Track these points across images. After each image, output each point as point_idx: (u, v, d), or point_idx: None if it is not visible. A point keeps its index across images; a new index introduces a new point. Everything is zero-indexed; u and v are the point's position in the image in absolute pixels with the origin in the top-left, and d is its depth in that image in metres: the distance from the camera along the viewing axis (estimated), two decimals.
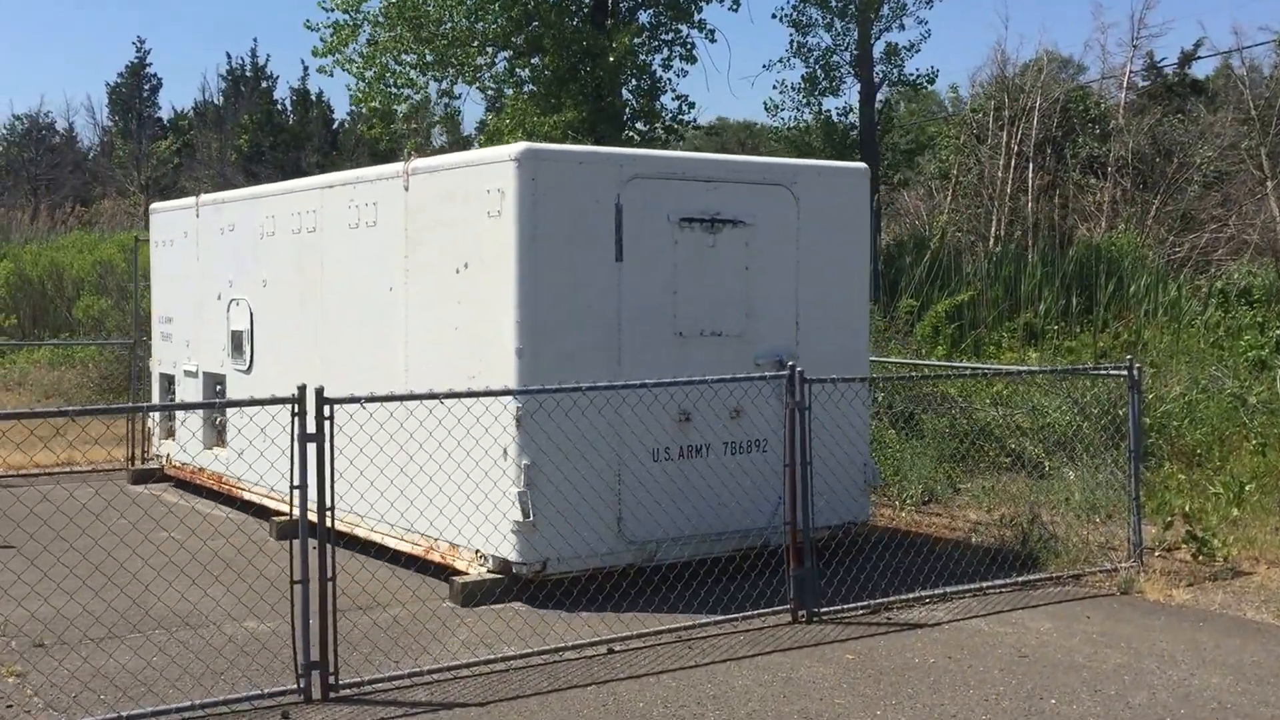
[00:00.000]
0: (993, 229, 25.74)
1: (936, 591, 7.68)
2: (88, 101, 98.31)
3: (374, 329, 8.94)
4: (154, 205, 13.11)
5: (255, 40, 76.46)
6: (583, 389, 6.80)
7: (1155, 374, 14.17)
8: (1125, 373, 8.48)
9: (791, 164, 8.85)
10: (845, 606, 7.30)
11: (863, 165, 9.07)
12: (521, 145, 7.60)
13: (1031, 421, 12.21)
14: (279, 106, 48.31)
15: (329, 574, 5.72)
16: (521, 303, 7.50)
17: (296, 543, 5.75)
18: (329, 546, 5.70)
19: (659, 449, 7.93)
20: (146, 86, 54.21)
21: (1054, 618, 7.23)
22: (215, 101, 50.40)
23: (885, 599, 7.49)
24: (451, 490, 7.37)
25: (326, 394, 5.77)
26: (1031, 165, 26.20)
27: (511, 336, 7.52)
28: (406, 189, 8.54)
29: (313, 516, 5.72)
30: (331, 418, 5.75)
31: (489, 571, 7.73)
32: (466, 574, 7.82)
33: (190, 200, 12.11)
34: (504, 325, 7.57)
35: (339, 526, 9.41)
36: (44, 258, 25.52)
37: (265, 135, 45.23)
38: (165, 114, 53.53)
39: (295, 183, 10.26)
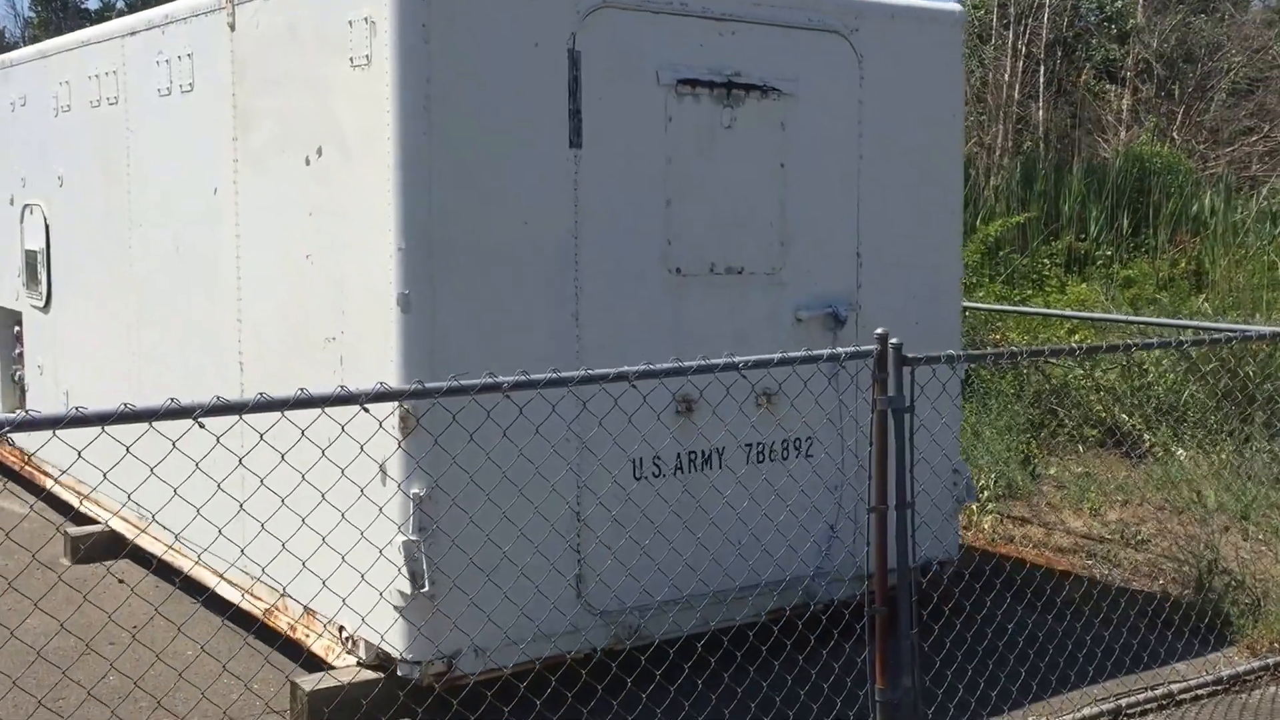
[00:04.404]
0: (998, 139, 22.86)
1: (1103, 705, 4.64)
2: None
3: (196, 254, 5.72)
4: None
5: None
6: (473, 390, 3.50)
7: (1242, 317, 11.26)
8: None
9: (852, 1, 5.59)
10: None
11: (956, 7, 5.86)
12: None
13: (1125, 382, 9.22)
14: None
15: None
16: (406, 216, 4.29)
17: None
18: None
19: (644, 459, 4.81)
20: None
21: None
22: None
23: (1014, 713, 4.48)
24: (297, 532, 4.22)
25: None
26: (1043, 68, 23.35)
27: (390, 274, 4.33)
28: (233, 28, 5.26)
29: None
30: None
31: (361, 664, 4.64)
32: (330, 665, 4.73)
33: None
34: (377, 255, 4.37)
35: (177, 562, 6.18)
36: None
37: None
38: (92, 4, 49.05)
39: (92, 30, 6.88)
